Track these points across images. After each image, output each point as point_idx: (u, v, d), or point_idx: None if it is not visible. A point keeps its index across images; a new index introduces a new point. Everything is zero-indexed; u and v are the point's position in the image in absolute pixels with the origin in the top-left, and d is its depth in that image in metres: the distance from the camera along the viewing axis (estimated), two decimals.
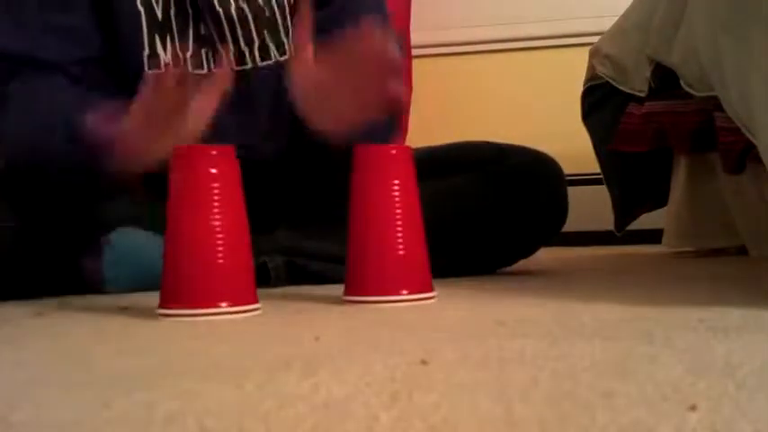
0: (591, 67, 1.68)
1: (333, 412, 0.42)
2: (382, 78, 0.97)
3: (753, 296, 0.87)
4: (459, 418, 0.40)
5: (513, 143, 1.32)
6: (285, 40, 1.22)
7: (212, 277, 0.83)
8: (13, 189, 1.13)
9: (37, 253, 1.13)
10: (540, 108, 2.43)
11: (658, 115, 1.55)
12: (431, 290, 0.93)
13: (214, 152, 0.85)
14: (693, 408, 0.40)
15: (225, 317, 0.83)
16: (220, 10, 1.19)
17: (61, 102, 1.11)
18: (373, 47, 0.95)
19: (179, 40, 1.17)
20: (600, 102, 1.66)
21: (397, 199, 0.91)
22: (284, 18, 1.22)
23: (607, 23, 1.71)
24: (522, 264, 1.32)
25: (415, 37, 2.36)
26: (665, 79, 1.48)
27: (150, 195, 1.12)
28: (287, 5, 1.22)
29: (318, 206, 1.25)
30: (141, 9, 1.16)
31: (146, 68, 1.16)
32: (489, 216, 1.26)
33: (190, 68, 1.18)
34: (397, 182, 0.92)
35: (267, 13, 1.21)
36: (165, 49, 1.17)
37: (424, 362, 0.54)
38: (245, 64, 1.20)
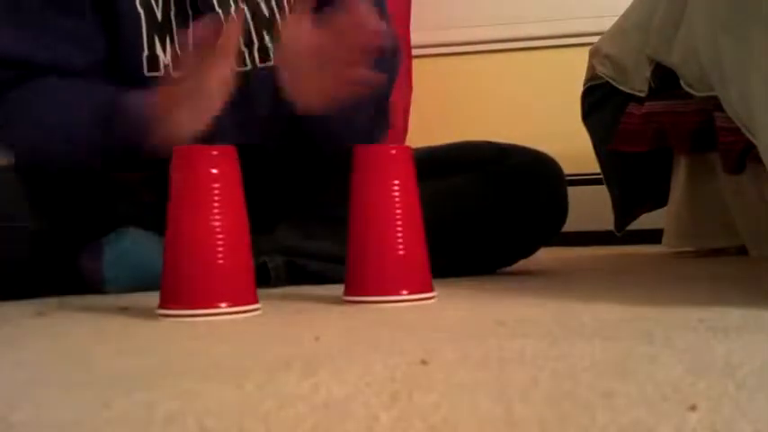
0: (591, 67, 1.68)
1: (333, 412, 0.42)
2: (365, 53, 0.99)
3: (753, 296, 0.87)
4: (459, 418, 0.40)
5: (513, 143, 1.32)
6: None
7: (212, 277, 0.83)
8: (29, 188, 1.14)
9: (37, 253, 1.13)
10: (540, 108, 2.43)
11: (658, 115, 1.55)
12: (431, 290, 0.93)
13: (214, 152, 0.85)
14: (693, 408, 0.40)
15: (225, 317, 0.83)
16: (220, 11, 1.19)
17: (88, 90, 1.12)
18: (358, 19, 0.98)
19: (179, 42, 1.17)
20: (600, 102, 1.66)
21: (397, 199, 0.91)
22: (284, 19, 1.22)
23: (607, 23, 1.71)
24: (522, 264, 1.32)
25: (415, 37, 2.36)
26: (665, 79, 1.48)
27: (150, 195, 1.12)
28: (286, 6, 1.22)
29: (318, 206, 1.25)
30: (141, 11, 1.16)
31: (145, 70, 1.16)
32: (489, 216, 1.26)
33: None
34: (397, 182, 0.92)
35: (266, 15, 1.21)
36: (164, 50, 1.17)
37: (424, 362, 0.54)
38: (245, 65, 1.20)
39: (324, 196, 1.25)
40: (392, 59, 1.28)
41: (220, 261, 0.84)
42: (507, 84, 2.50)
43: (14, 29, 1.14)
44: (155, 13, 1.17)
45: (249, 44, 1.20)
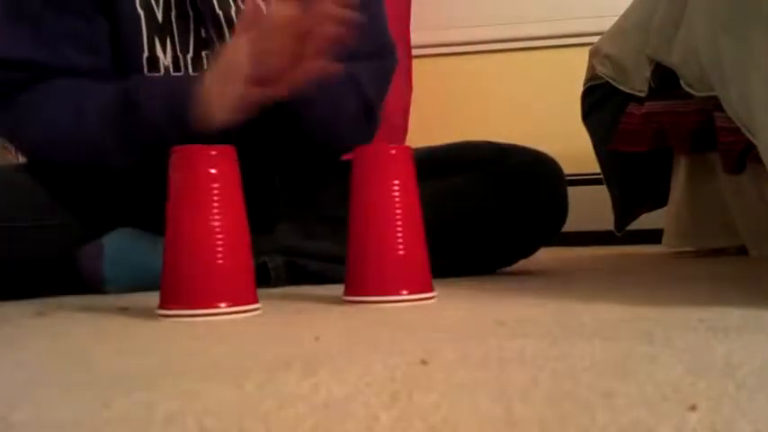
0: (591, 67, 1.68)
1: (333, 412, 0.42)
2: (327, 42, 1.00)
3: (753, 296, 0.87)
4: (459, 418, 0.40)
5: (513, 143, 1.32)
6: None
7: (212, 277, 0.83)
8: (43, 188, 1.14)
9: (37, 253, 1.13)
10: (540, 108, 2.43)
11: (658, 115, 1.55)
12: (431, 290, 0.93)
13: (214, 152, 0.85)
14: (693, 408, 0.40)
15: (225, 317, 0.83)
16: (220, 12, 1.19)
17: (98, 89, 1.13)
18: (326, 8, 0.98)
19: (179, 43, 1.17)
20: (600, 102, 1.66)
21: (397, 199, 0.91)
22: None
23: (607, 23, 1.71)
24: (522, 264, 1.32)
25: (415, 37, 2.36)
26: (665, 79, 1.48)
27: (150, 195, 1.12)
28: None
29: (318, 206, 1.25)
30: (141, 12, 1.16)
31: (145, 71, 1.16)
32: (489, 216, 1.26)
33: (190, 71, 1.18)
34: (397, 182, 0.92)
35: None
36: (164, 51, 1.17)
37: (424, 362, 0.54)
38: None
39: (324, 196, 1.25)
40: (382, 62, 1.28)
41: (220, 261, 0.84)
42: (507, 84, 2.50)
43: (15, 30, 1.14)
44: (155, 14, 1.17)
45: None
